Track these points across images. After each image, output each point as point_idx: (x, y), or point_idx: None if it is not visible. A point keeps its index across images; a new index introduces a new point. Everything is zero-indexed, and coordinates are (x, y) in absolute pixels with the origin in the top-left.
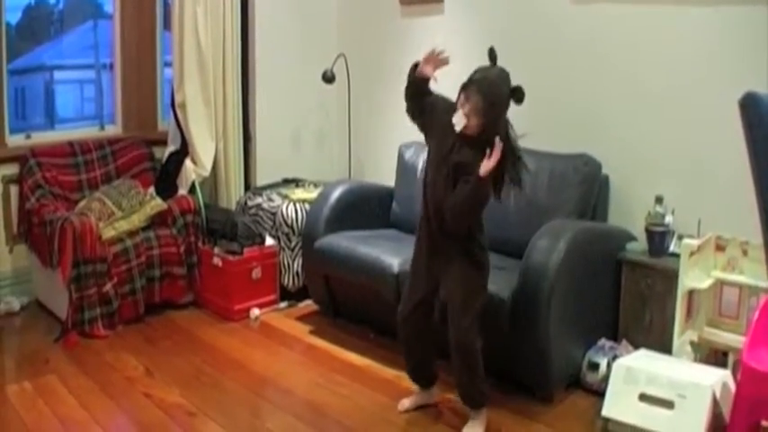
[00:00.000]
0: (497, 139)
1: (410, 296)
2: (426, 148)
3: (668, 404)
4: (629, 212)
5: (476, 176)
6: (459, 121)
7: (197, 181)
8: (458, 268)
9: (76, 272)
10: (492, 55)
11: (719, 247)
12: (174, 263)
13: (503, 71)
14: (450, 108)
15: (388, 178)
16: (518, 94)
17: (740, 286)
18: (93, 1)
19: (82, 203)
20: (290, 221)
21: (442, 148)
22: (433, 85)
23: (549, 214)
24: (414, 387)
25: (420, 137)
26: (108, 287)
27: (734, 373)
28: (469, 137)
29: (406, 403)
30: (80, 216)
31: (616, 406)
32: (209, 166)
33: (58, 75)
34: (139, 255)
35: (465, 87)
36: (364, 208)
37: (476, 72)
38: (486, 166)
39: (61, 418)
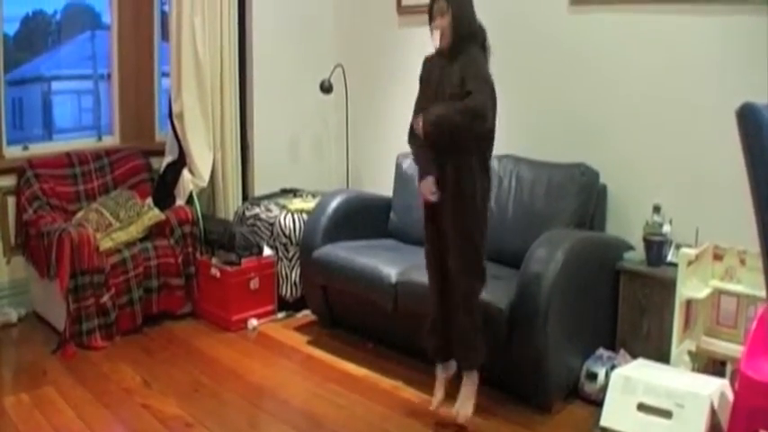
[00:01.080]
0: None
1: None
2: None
3: (666, 414)
4: (626, 222)
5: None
6: (436, 38)
7: (195, 191)
8: (457, 208)
9: (74, 283)
10: None
11: (717, 257)
12: (171, 274)
13: None
14: (424, 61)
15: (385, 188)
16: None
17: (738, 296)
18: (90, 11)
19: (79, 214)
20: (287, 232)
21: (432, 83)
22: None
23: (547, 224)
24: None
25: None
26: (105, 298)
27: (732, 383)
28: (446, 52)
29: (435, 401)
30: (78, 227)
31: (614, 416)
32: (206, 176)
33: (55, 85)
34: (137, 265)
35: (429, 8)
36: (362, 218)
37: None
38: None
39: (58, 430)
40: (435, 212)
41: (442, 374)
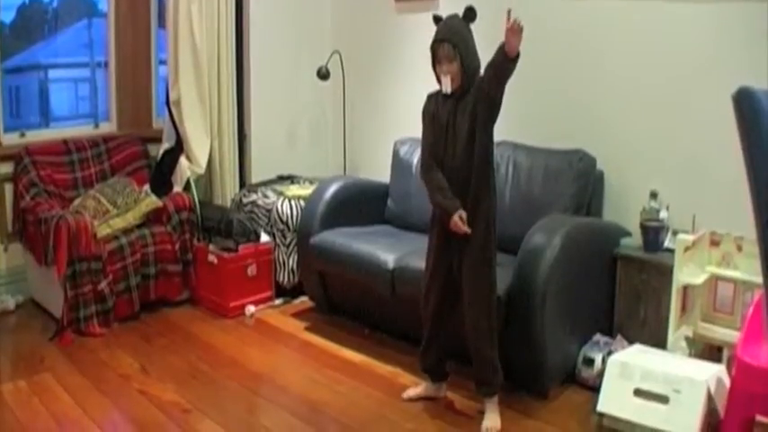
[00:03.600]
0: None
1: (429, 285)
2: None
3: (663, 399)
4: (624, 208)
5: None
6: (447, 84)
7: (192, 178)
8: (469, 253)
9: (71, 270)
10: (468, 14)
11: (714, 243)
12: (169, 260)
13: (450, 15)
14: (429, 97)
15: (383, 174)
16: (469, 14)
17: (735, 282)
18: None
19: (77, 201)
20: (285, 218)
21: (441, 123)
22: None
23: (544, 210)
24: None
25: (415, 132)
26: (103, 285)
27: (728, 369)
28: (456, 92)
29: (410, 392)
30: (75, 214)
31: (611, 401)
32: (204, 163)
33: (52, 73)
34: (134, 252)
35: (433, 50)
36: (359, 204)
37: (436, 32)
38: (511, 44)
39: (56, 417)
40: (449, 248)
41: (431, 389)
